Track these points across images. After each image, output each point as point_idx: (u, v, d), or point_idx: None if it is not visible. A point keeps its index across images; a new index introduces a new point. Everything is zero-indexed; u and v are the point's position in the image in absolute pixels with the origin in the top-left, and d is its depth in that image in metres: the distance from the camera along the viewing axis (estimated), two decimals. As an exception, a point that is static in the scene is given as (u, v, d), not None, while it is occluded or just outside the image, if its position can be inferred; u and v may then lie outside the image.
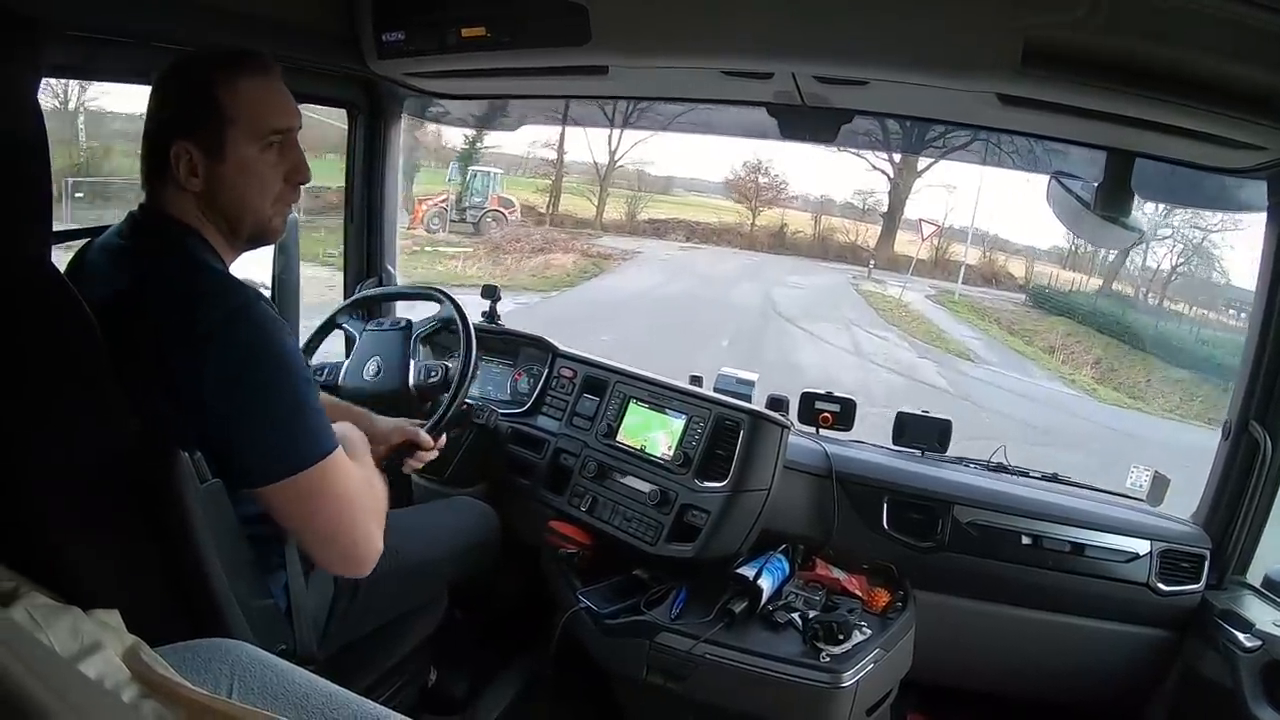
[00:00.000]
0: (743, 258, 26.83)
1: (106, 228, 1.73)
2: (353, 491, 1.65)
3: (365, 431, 2.01)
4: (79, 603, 1.24)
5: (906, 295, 23.79)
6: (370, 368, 2.44)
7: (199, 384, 1.50)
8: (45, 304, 1.34)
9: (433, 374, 2.43)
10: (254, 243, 1.77)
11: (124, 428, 1.45)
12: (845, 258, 27.43)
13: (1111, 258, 25.76)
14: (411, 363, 2.44)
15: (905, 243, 27.39)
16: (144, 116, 1.64)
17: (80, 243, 1.77)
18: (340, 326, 2.61)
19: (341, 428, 1.82)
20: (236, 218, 1.67)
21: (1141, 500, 2.64)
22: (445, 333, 2.47)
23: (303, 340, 2.44)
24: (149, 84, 1.64)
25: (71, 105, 13.23)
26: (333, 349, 2.63)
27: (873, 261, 26.49)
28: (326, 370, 2.53)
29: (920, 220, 26.40)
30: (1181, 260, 26.14)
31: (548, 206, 26.77)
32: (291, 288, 2.85)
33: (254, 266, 2.47)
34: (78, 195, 12.18)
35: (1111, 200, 2.25)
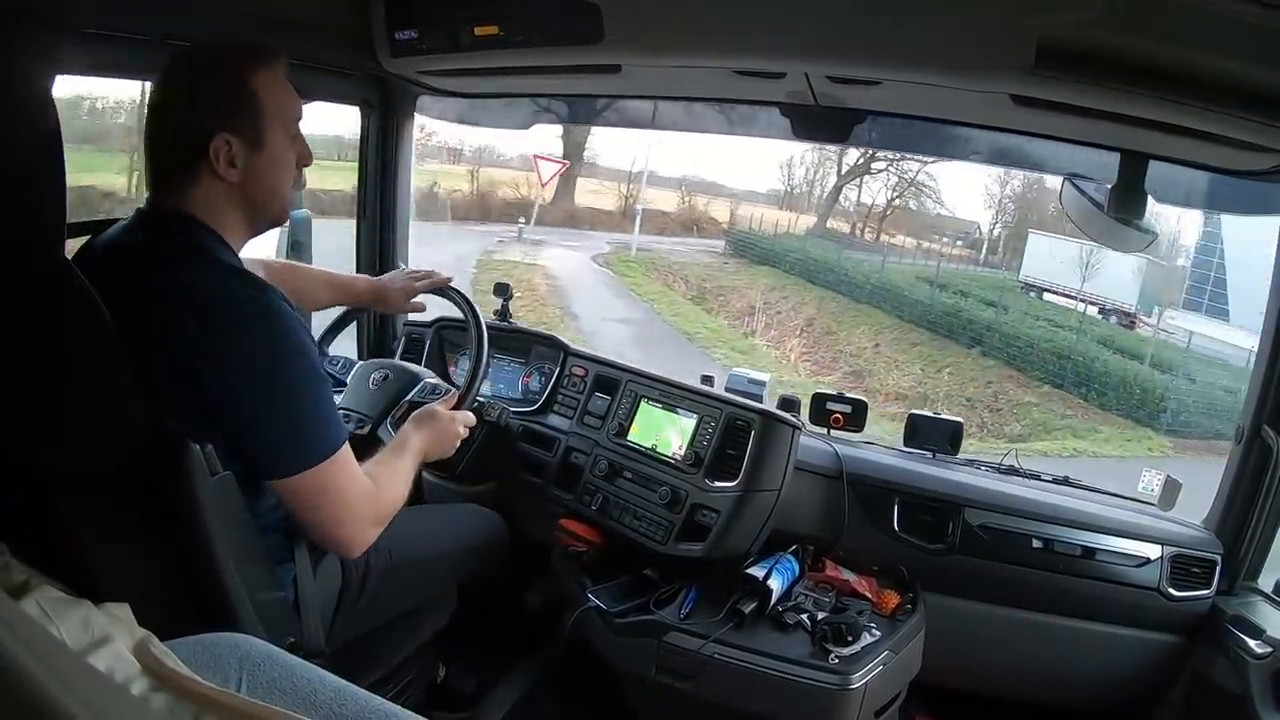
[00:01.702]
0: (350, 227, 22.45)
1: (114, 221, 1.74)
2: (351, 492, 1.73)
3: (351, 289, 2.45)
4: (90, 596, 1.25)
5: (572, 258, 20.94)
6: (376, 375, 2.45)
7: (221, 381, 1.56)
8: (60, 298, 1.35)
9: (437, 391, 2.44)
10: (270, 226, 1.83)
11: (136, 421, 1.46)
12: (514, 217, 23.77)
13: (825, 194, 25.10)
14: (420, 380, 2.46)
15: (588, 192, 24.74)
16: (156, 113, 1.67)
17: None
18: (355, 319, 2.66)
19: (415, 436, 2.06)
20: (265, 204, 1.74)
21: (1153, 505, 2.64)
22: (456, 330, 2.49)
23: (317, 332, 2.46)
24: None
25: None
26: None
27: (523, 220, 23.23)
28: (340, 364, 2.55)
29: (535, 157, 19.98)
30: (897, 194, 25.58)
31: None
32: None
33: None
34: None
35: (1125, 202, 2.23)
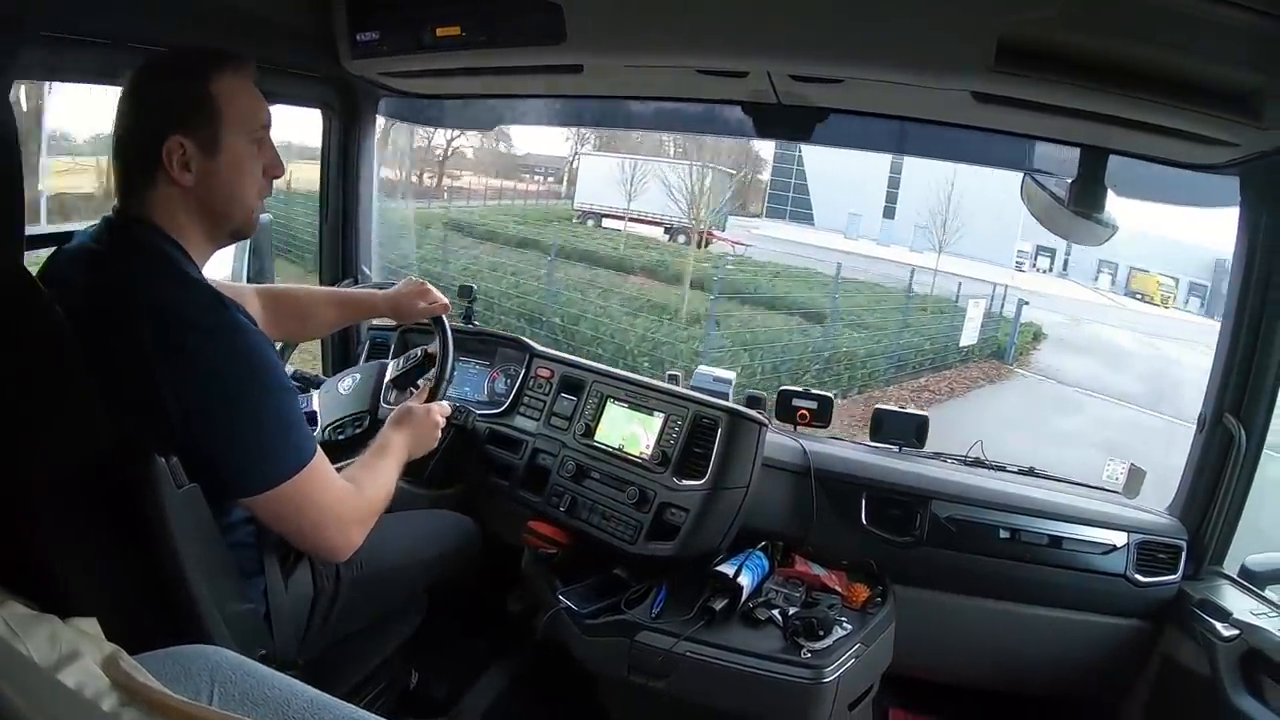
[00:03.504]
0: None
1: (75, 233, 1.72)
2: (329, 499, 1.72)
3: (365, 304, 2.42)
4: (57, 611, 1.24)
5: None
6: (344, 383, 2.44)
7: (182, 396, 1.53)
8: (20, 309, 1.33)
9: (410, 359, 2.45)
10: (233, 238, 1.81)
11: (100, 434, 1.45)
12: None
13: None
14: (390, 364, 2.47)
15: (57, 173, 21.25)
16: (117, 118, 1.65)
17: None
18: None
19: (395, 436, 2.06)
20: (225, 212, 1.72)
21: (1118, 493, 2.67)
22: (420, 332, 2.49)
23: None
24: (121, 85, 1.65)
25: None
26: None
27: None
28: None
29: None
30: (458, 134, 24.79)
31: None
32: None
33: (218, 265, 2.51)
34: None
35: (1085, 196, 2.26)
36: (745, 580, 2.35)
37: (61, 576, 1.36)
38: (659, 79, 2.45)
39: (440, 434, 2.20)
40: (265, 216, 2.79)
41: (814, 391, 2.87)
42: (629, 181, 23.27)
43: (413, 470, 2.32)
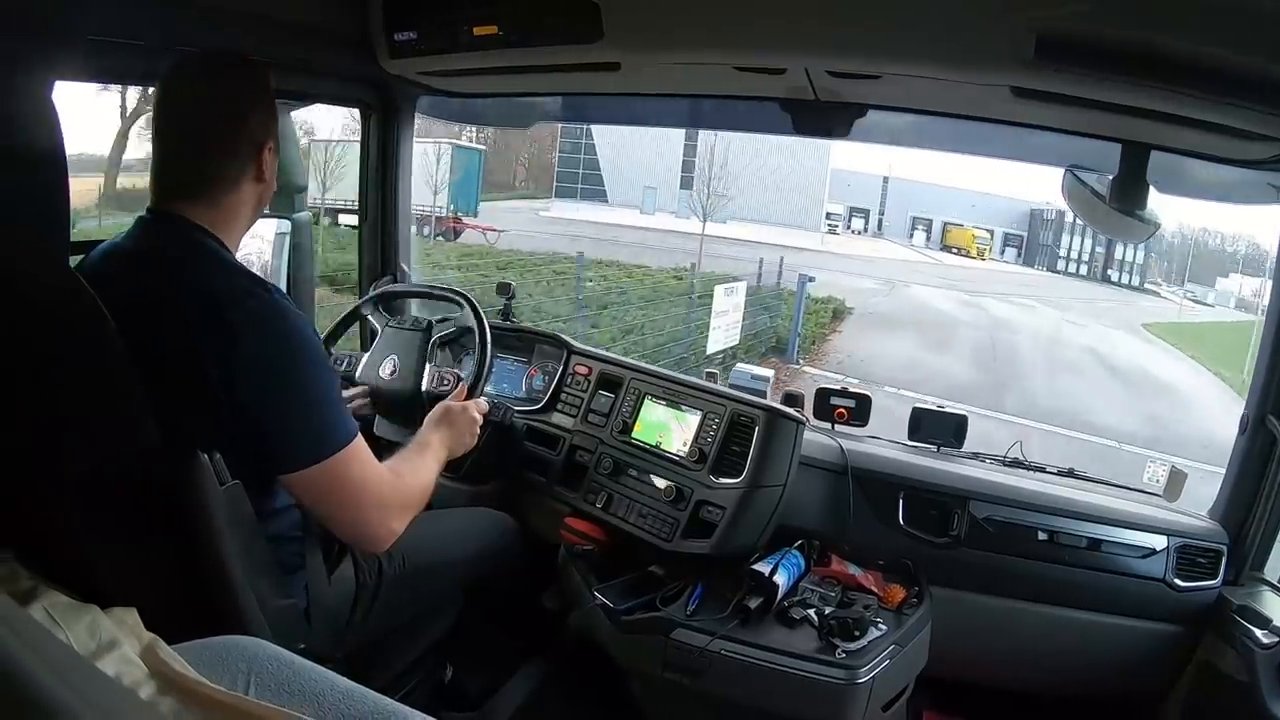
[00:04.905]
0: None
1: (99, 242, 1.78)
2: (370, 480, 1.75)
3: None
4: (97, 601, 1.26)
5: None
6: (387, 366, 2.47)
7: (230, 378, 1.58)
8: (65, 308, 1.35)
9: (445, 382, 2.46)
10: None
11: (143, 429, 1.46)
12: None
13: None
14: (427, 366, 2.48)
15: None
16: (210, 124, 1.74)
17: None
18: (364, 318, 2.72)
19: (434, 435, 2.12)
20: (267, 204, 1.88)
21: (1158, 495, 2.63)
22: (463, 335, 2.51)
23: (324, 331, 2.48)
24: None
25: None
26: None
27: None
28: (345, 362, 2.57)
29: None
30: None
31: None
32: (306, 285, 2.88)
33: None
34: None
35: (1127, 193, 2.23)
36: (781, 579, 2.34)
37: (101, 569, 1.38)
38: (696, 76, 2.45)
39: (479, 431, 2.22)
40: (305, 215, 2.83)
41: (853, 390, 2.86)
42: (323, 167, 19.94)
43: (451, 466, 2.34)
